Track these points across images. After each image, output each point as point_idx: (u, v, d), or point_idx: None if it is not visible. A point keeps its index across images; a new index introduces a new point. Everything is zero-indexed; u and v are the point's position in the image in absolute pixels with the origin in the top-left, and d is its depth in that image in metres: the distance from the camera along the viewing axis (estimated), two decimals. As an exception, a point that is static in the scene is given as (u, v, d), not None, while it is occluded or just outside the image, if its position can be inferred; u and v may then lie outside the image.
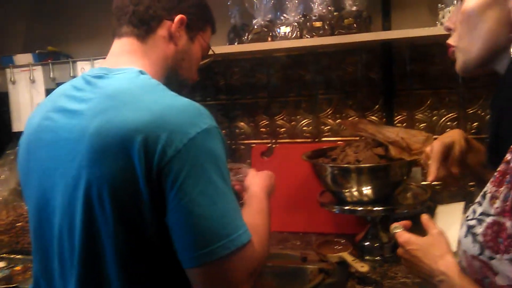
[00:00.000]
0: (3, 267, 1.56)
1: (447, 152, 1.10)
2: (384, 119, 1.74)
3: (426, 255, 0.89)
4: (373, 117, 1.77)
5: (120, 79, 0.90)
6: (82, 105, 0.88)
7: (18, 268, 1.52)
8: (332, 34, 1.59)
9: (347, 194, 1.43)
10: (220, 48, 1.66)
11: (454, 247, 1.34)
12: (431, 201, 1.48)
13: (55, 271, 0.92)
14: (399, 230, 0.98)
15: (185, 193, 0.78)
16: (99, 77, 0.91)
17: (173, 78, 1.02)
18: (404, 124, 1.72)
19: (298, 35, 1.63)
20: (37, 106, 1.00)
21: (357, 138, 1.58)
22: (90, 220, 0.84)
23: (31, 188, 0.96)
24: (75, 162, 0.84)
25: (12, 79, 2.05)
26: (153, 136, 0.79)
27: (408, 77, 1.71)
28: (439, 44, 1.64)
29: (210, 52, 1.15)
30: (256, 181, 1.14)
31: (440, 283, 0.85)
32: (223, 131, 1.96)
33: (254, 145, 1.93)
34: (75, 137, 0.85)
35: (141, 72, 0.92)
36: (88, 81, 0.91)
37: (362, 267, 1.27)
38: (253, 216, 0.98)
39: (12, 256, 1.61)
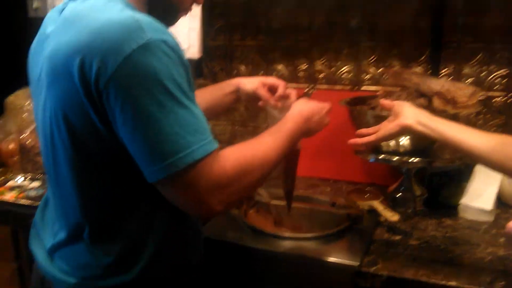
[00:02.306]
0: (38, 186, 1.63)
1: None
2: (429, 72, 1.67)
3: None
4: (417, 69, 1.69)
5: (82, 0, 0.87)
6: (51, 29, 0.89)
7: (51, 188, 1.58)
8: (384, -25, 1.51)
9: (383, 143, 1.39)
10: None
11: (491, 205, 1.32)
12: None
13: (51, 184, 0.97)
14: None
15: (126, 116, 0.76)
16: None
17: (159, 2, 0.92)
18: (450, 78, 1.64)
19: (348, -25, 1.55)
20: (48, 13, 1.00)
21: (398, 89, 1.51)
22: (53, 144, 0.87)
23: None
24: (44, 85, 0.86)
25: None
26: (88, 57, 0.76)
27: (460, 28, 1.62)
28: (498, -6, 1.54)
29: None
30: (296, 108, 1.09)
31: None
32: (261, 73, 1.92)
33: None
34: (42, 60, 0.87)
35: None
36: (65, 2, 0.91)
37: (392, 216, 1.25)
38: (260, 138, 0.96)
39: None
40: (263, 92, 1.25)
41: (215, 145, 0.82)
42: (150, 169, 0.78)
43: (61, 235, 0.93)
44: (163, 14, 0.90)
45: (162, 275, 0.93)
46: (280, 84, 1.28)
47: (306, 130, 1.08)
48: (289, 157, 1.23)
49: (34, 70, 0.94)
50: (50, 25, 0.90)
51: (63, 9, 0.89)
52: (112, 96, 0.76)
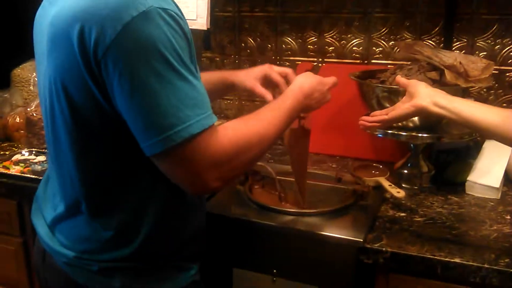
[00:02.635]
0: (44, 160, 1.64)
1: None
2: (442, 45, 1.62)
3: None
4: (430, 41, 1.65)
5: None
6: None
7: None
8: None
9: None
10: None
11: (498, 183, 1.30)
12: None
13: (51, 156, 0.97)
14: None
15: (124, 87, 0.75)
16: None
17: None
18: (463, 52, 1.60)
19: None
20: None
21: (409, 63, 1.48)
22: (53, 114, 0.86)
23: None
24: (45, 52, 0.85)
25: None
26: (88, 25, 0.74)
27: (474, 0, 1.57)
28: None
29: None
30: (297, 84, 1.07)
31: None
32: (269, 46, 1.89)
33: (299, 62, 1.86)
34: (45, 27, 0.85)
35: None
36: None
37: (398, 192, 1.23)
38: (259, 114, 0.94)
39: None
40: (260, 91, 1.21)
41: (214, 119, 0.81)
42: (147, 143, 0.78)
43: (61, 208, 0.93)
44: None
45: (161, 250, 0.93)
46: (272, 73, 1.22)
47: (306, 107, 1.06)
48: (299, 139, 1.21)
49: (38, 38, 0.93)
50: None
51: None
52: (110, 66, 0.74)
